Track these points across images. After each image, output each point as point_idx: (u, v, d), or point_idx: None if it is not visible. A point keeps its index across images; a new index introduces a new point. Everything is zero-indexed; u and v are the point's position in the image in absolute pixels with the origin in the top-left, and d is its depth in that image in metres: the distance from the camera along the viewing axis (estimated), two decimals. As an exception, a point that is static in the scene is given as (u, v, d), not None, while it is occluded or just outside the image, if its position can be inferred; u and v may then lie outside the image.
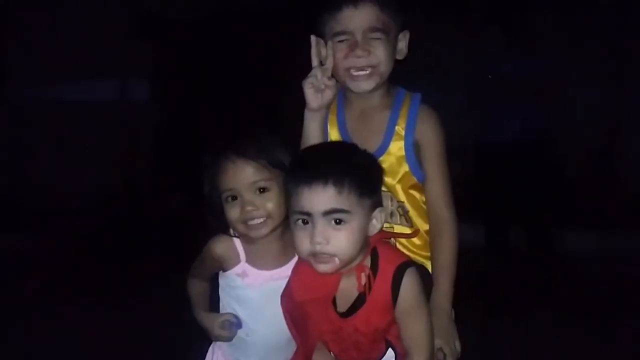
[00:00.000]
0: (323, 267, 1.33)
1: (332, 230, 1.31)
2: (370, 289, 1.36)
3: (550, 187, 4.34)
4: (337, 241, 1.31)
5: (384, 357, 1.43)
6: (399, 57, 1.60)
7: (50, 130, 5.51)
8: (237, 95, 5.32)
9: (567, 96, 4.85)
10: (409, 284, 1.36)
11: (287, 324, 1.50)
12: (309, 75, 1.54)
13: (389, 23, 1.54)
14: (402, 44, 1.60)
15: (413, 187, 1.60)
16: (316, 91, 1.54)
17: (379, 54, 1.53)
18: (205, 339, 1.73)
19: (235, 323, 1.61)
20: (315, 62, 1.56)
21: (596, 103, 5.08)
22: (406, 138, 1.57)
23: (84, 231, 4.78)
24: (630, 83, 4.96)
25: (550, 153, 4.50)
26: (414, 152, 1.58)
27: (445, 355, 1.46)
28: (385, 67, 1.55)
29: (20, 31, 5.50)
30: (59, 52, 5.35)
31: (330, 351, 1.46)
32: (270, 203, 1.50)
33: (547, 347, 3.01)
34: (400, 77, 1.64)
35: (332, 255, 1.32)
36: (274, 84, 5.12)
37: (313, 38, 1.57)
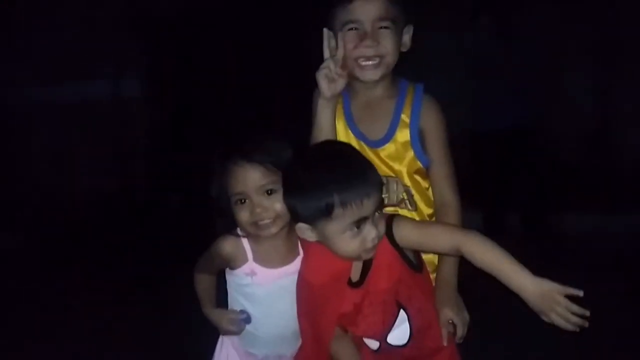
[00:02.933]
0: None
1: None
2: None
3: (544, 172, 4.45)
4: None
5: (397, 320, 1.51)
6: (403, 49, 1.67)
7: (43, 132, 5.48)
8: (232, 92, 5.33)
9: (560, 83, 4.95)
10: (402, 224, 1.47)
11: (301, 316, 1.56)
12: (321, 66, 1.60)
13: (396, 15, 1.62)
14: (407, 37, 1.67)
15: (417, 172, 1.68)
16: (329, 81, 1.59)
17: (387, 45, 1.60)
18: (212, 331, 1.78)
19: (244, 319, 1.67)
20: (326, 54, 1.63)
21: (589, 88, 5.18)
22: (411, 125, 1.65)
23: (79, 232, 4.76)
24: (624, 68, 5.06)
25: (544, 139, 4.59)
26: (419, 139, 1.66)
27: (455, 326, 1.55)
28: (392, 58, 1.63)
29: (12, 33, 5.45)
30: (50, 54, 5.31)
31: (348, 331, 1.55)
32: (279, 204, 1.55)
33: (543, 329, 3.07)
34: (400, 68, 1.71)
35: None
36: (269, 80, 5.15)
37: (325, 31, 1.64)
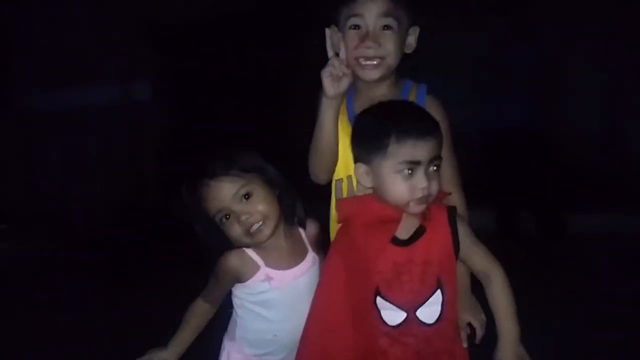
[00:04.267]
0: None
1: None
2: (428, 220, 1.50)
3: (557, 172, 4.42)
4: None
5: (432, 297, 1.49)
6: (408, 50, 1.67)
7: (54, 136, 5.50)
8: (241, 96, 5.32)
9: (573, 83, 4.92)
10: (464, 222, 1.53)
11: (319, 297, 1.56)
12: (327, 64, 1.60)
13: (401, 15, 1.61)
14: (412, 38, 1.67)
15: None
16: (334, 80, 1.59)
17: (388, 46, 1.60)
18: (215, 331, 1.76)
19: None
20: (330, 53, 1.63)
21: (601, 89, 5.14)
22: None
23: (91, 237, 4.75)
24: (635, 67, 5.03)
25: (557, 139, 4.56)
26: None
27: (474, 329, 1.57)
28: (392, 59, 1.62)
29: (23, 38, 5.47)
30: (61, 59, 5.32)
31: (384, 298, 1.50)
32: (260, 205, 1.57)
33: (557, 329, 2.98)
34: (408, 69, 1.71)
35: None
36: (276, 83, 5.18)
37: (327, 30, 1.64)
